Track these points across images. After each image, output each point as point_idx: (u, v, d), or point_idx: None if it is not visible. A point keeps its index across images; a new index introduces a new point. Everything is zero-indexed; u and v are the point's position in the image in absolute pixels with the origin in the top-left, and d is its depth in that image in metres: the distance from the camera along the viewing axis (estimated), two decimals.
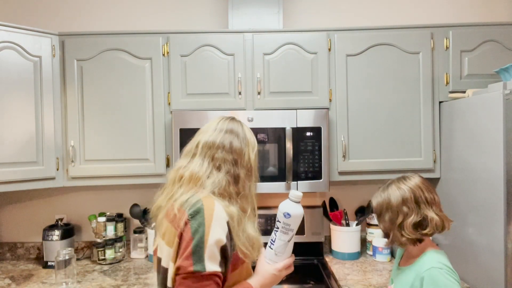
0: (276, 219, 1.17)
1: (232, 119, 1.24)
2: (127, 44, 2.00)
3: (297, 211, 1.13)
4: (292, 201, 1.14)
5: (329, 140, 2.00)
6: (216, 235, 1.02)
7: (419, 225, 1.22)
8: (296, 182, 1.96)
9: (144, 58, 2.01)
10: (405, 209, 1.23)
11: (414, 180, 1.28)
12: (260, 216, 2.21)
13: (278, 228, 1.16)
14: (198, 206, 1.04)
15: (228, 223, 1.06)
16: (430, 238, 1.28)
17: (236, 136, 1.19)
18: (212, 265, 1.01)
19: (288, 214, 1.13)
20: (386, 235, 1.30)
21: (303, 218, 1.20)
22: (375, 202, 1.32)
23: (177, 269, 1.01)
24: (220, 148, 1.16)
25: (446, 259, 1.22)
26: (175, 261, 1.04)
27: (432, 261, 1.20)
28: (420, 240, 1.24)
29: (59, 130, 1.99)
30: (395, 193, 1.26)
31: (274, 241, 1.17)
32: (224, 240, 1.03)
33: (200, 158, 1.16)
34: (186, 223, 1.03)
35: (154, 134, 2.01)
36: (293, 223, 1.14)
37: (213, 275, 1.01)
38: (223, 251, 1.04)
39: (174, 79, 2.00)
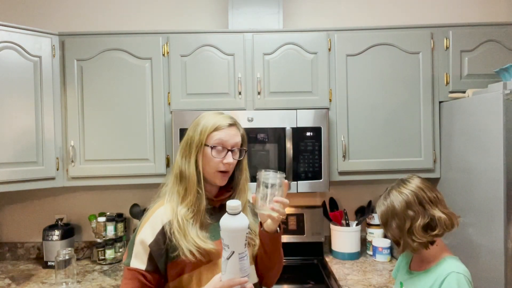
0: None
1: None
2: (127, 44, 2.00)
3: (227, 224, 0.95)
4: (228, 213, 0.96)
5: (329, 140, 2.00)
6: (141, 235, 1.08)
7: (428, 226, 1.18)
8: (296, 182, 1.96)
9: (144, 58, 2.01)
10: (410, 213, 1.19)
11: (414, 182, 1.24)
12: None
13: None
14: (147, 211, 1.15)
15: (164, 226, 1.08)
16: (442, 240, 1.25)
17: (187, 134, 1.15)
18: (137, 262, 1.07)
19: (219, 226, 0.97)
20: (396, 243, 1.25)
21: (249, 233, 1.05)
22: (379, 212, 1.28)
23: None
24: (179, 150, 1.18)
25: (466, 267, 1.19)
26: None
27: (453, 266, 1.17)
28: (432, 242, 1.20)
29: (59, 130, 1.99)
30: (397, 199, 1.22)
31: None
32: (148, 241, 1.07)
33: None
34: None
35: (154, 134, 2.01)
36: (226, 237, 0.95)
37: (135, 271, 1.06)
38: (151, 251, 1.07)
39: (174, 79, 2.00)
